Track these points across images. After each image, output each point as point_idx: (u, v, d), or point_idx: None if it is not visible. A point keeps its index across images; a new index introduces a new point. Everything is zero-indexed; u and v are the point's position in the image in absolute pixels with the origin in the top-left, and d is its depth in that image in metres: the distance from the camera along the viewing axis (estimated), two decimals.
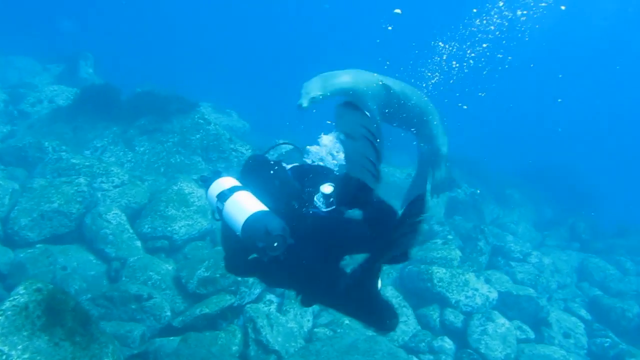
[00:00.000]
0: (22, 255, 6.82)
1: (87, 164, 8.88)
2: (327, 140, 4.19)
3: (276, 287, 3.65)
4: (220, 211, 3.60)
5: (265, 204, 3.50)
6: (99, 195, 8.38)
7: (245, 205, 3.45)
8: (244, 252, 3.63)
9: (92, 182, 8.39)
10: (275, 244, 3.21)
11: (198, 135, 11.23)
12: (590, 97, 41.00)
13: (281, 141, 4.83)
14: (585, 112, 40.66)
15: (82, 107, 11.41)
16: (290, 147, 4.60)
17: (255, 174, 3.85)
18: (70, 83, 14.76)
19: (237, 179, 3.81)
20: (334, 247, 3.43)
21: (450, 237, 10.73)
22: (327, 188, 3.62)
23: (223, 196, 3.58)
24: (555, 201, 17.53)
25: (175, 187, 8.78)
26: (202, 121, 11.48)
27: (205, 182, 3.97)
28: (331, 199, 3.69)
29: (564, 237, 14.74)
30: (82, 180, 8.08)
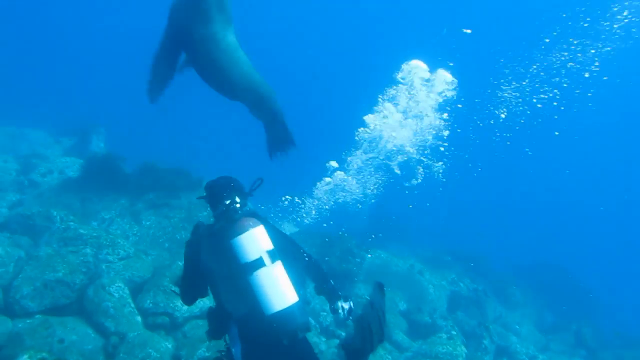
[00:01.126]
0: (20, 325, 6.66)
1: (94, 234, 8.82)
2: None
3: None
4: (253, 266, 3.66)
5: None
6: (104, 267, 8.26)
7: (288, 288, 3.69)
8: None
9: (98, 253, 8.32)
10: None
11: (205, 213, 11.24)
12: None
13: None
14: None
15: (91, 179, 11.52)
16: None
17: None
18: (81, 156, 14.95)
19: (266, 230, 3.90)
20: None
21: (454, 332, 10.48)
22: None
23: (261, 260, 3.71)
24: (556, 302, 17.24)
25: (180, 263, 8.66)
26: None
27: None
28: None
29: (569, 342, 14.35)
30: (88, 250, 8.02)
